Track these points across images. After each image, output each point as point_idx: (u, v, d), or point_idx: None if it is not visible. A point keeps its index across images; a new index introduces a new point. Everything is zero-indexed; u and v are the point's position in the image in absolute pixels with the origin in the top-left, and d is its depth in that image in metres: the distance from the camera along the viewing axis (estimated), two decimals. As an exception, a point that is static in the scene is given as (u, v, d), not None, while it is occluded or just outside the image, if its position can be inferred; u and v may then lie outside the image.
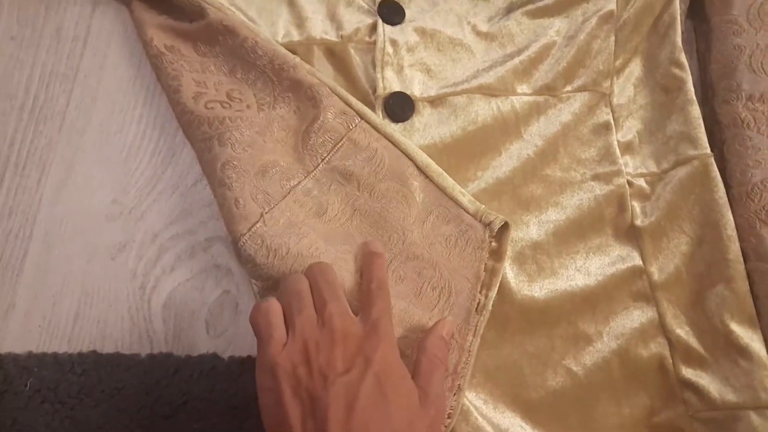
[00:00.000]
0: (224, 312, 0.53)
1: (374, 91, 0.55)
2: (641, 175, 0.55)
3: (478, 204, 0.50)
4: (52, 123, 0.57)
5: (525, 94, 0.56)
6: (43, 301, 0.52)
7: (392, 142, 0.52)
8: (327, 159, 0.52)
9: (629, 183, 0.54)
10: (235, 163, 0.50)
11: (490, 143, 0.55)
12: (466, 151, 0.55)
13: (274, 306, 0.43)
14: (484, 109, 0.55)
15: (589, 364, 0.50)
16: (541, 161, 0.55)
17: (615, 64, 0.57)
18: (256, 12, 0.57)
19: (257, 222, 0.49)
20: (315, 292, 0.44)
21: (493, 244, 0.50)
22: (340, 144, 0.52)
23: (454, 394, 0.47)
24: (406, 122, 0.55)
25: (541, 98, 0.56)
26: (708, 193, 0.51)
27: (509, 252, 0.52)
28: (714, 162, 0.52)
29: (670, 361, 0.50)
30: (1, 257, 0.53)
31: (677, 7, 0.56)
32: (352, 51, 0.57)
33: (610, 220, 0.54)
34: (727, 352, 0.49)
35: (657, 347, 0.51)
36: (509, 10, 0.59)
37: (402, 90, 0.55)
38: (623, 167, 0.55)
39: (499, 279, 0.50)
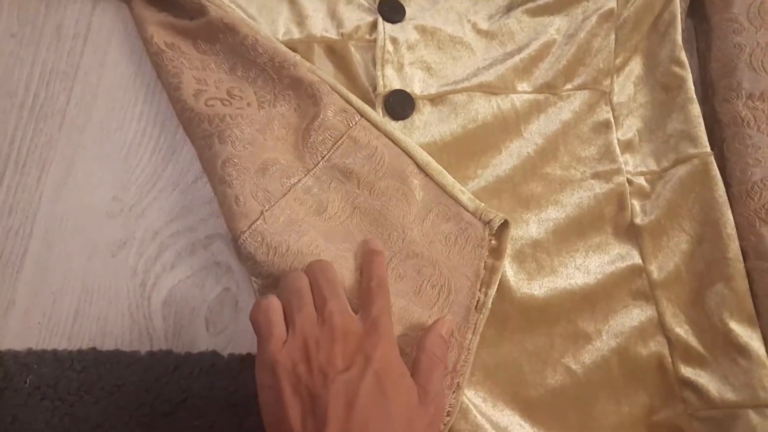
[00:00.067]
0: (224, 309, 0.53)
1: (374, 89, 0.55)
2: (641, 173, 0.55)
3: (478, 202, 0.51)
4: (52, 120, 0.57)
5: (525, 93, 0.56)
6: (43, 299, 0.52)
7: (392, 140, 0.52)
8: (327, 157, 0.52)
9: (629, 181, 0.54)
10: (235, 160, 0.50)
11: (490, 141, 0.55)
12: (466, 149, 0.55)
13: (274, 303, 0.43)
14: (484, 108, 0.55)
15: (588, 362, 0.50)
16: (541, 159, 0.55)
17: (615, 62, 0.57)
18: (256, 10, 0.57)
19: (257, 219, 0.49)
20: (315, 289, 0.44)
21: (493, 242, 0.50)
22: (340, 142, 0.52)
23: (454, 392, 0.47)
24: (406, 120, 0.55)
25: (541, 96, 0.56)
26: (708, 191, 0.51)
27: (509, 250, 0.52)
28: (714, 160, 0.52)
29: (670, 359, 0.50)
30: (1, 254, 0.53)
31: (677, 6, 0.56)
32: (352, 49, 0.57)
33: (610, 218, 0.54)
34: (726, 350, 0.49)
35: (656, 346, 0.51)
36: (509, 8, 0.59)
37: (402, 88, 0.55)
38: (623, 165, 0.55)
39: (499, 277, 0.50)
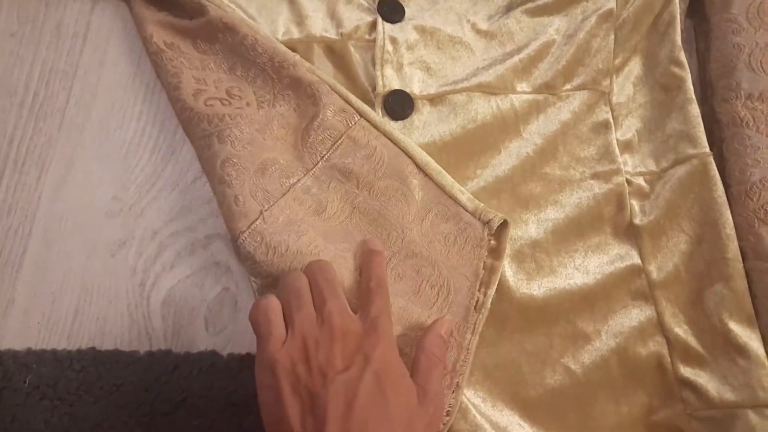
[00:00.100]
0: (223, 309, 0.53)
1: (374, 89, 0.55)
2: (640, 173, 0.55)
3: (477, 202, 0.51)
4: (51, 120, 0.57)
5: (524, 93, 0.56)
6: (42, 298, 0.52)
7: (391, 140, 0.52)
8: (326, 157, 0.52)
9: (628, 182, 0.54)
10: (234, 160, 0.50)
11: (489, 141, 0.55)
12: (466, 149, 0.55)
13: (273, 303, 0.43)
14: (483, 108, 0.55)
15: (587, 362, 0.50)
16: (541, 160, 0.55)
17: (614, 62, 0.57)
18: (256, 10, 0.57)
19: (257, 219, 0.49)
20: (314, 289, 0.44)
21: (492, 242, 0.50)
22: (339, 142, 0.52)
23: (453, 391, 0.47)
24: (405, 120, 0.55)
25: (540, 97, 0.56)
26: (707, 191, 0.51)
27: (508, 250, 0.52)
28: (713, 161, 0.52)
29: (669, 359, 0.50)
30: (0, 254, 0.53)
31: (677, 6, 0.56)
32: (351, 49, 0.57)
33: (609, 218, 0.54)
34: (725, 350, 0.49)
35: (655, 346, 0.51)
36: (509, 9, 0.59)
37: (401, 88, 0.55)
38: (622, 166, 0.55)
39: (498, 277, 0.50)
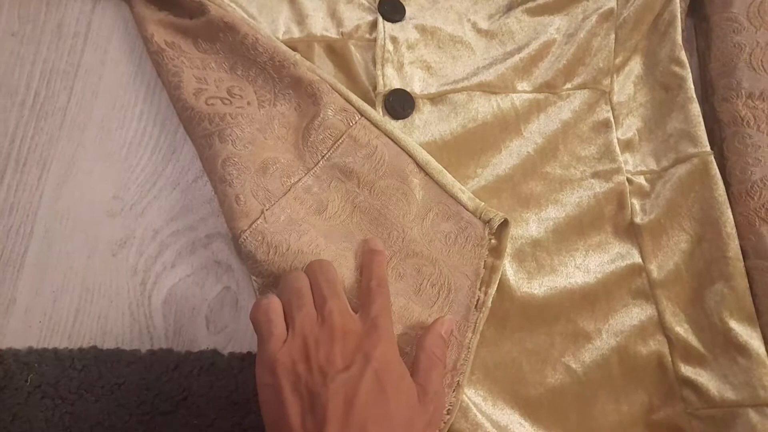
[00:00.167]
0: (224, 308, 0.53)
1: (374, 88, 0.56)
2: (641, 172, 0.55)
3: (478, 201, 0.51)
4: (53, 119, 0.57)
5: (525, 92, 0.56)
6: (43, 297, 0.52)
7: (392, 139, 0.52)
8: (327, 156, 0.52)
9: (629, 181, 0.54)
10: (235, 159, 0.50)
11: (490, 141, 0.55)
12: (466, 148, 0.55)
13: (274, 303, 0.43)
14: (484, 107, 0.55)
15: (588, 361, 0.50)
16: (541, 159, 0.55)
17: (615, 61, 0.57)
18: (256, 9, 0.57)
19: (258, 219, 0.49)
20: (315, 289, 0.44)
21: (493, 241, 0.50)
22: (340, 141, 0.52)
23: (454, 390, 0.47)
24: (406, 119, 0.55)
25: (541, 96, 0.56)
26: (708, 190, 0.51)
27: (509, 249, 0.52)
28: (714, 160, 0.52)
29: (669, 358, 0.50)
30: (1, 253, 0.53)
31: (677, 5, 0.56)
32: (352, 48, 0.57)
33: (610, 217, 0.54)
34: (726, 349, 0.49)
35: (656, 345, 0.51)
36: (509, 8, 0.59)
37: (402, 87, 0.55)
38: (623, 165, 0.55)
39: (499, 276, 0.50)
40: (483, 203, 0.50)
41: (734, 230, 0.50)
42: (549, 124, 0.56)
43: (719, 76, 0.55)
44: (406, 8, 0.58)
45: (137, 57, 0.59)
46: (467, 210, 0.50)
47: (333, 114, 0.52)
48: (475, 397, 0.49)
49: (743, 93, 0.53)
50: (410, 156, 0.52)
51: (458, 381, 0.47)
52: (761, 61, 0.53)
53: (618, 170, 0.54)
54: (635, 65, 0.58)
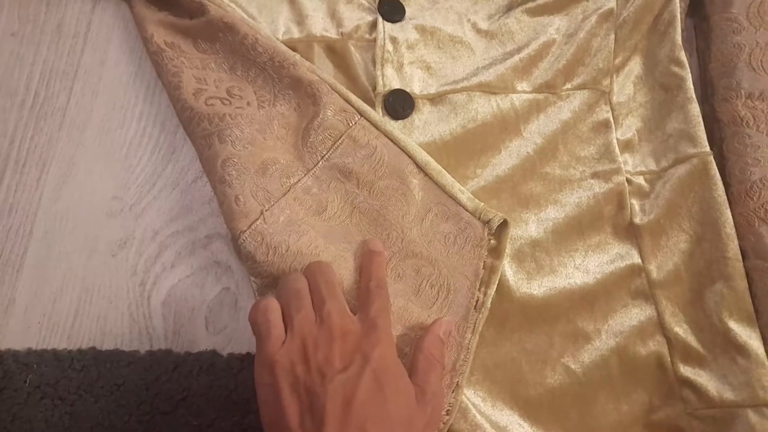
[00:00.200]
0: (224, 309, 0.53)
1: (374, 88, 0.56)
2: (641, 173, 0.55)
3: (477, 202, 0.51)
4: (52, 120, 0.57)
5: (525, 92, 0.56)
6: (43, 298, 0.52)
7: (392, 140, 0.52)
8: (327, 156, 0.52)
9: (628, 181, 0.54)
10: (235, 160, 0.50)
11: (489, 141, 0.55)
12: (466, 148, 0.55)
13: (272, 305, 0.43)
14: (483, 107, 0.55)
15: (587, 361, 0.50)
16: (541, 159, 0.55)
17: (615, 62, 0.57)
18: (256, 9, 0.57)
19: (257, 219, 0.49)
20: (313, 291, 0.44)
21: (492, 241, 0.50)
22: (339, 141, 0.52)
23: (453, 391, 0.47)
24: (405, 120, 0.55)
25: (540, 96, 0.56)
26: (707, 191, 0.51)
27: (508, 250, 0.52)
28: (713, 160, 0.52)
29: (669, 359, 0.50)
30: (1, 254, 0.53)
31: (677, 5, 0.56)
32: (352, 48, 0.57)
33: (609, 218, 0.54)
34: (725, 350, 0.49)
35: (655, 345, 0.51)
36: (509, 8, 0.59)
37: (402, 87, 0.55)
38: (623, 165, 0.55)
39: (498, 277, 0.50)
40: (482, 204, 0.50)
41: (734, 230, 0.50)
42: (548, 125, 0.56)
43: (719, 77, 0.55)
44: (406, 8, 0.58)
45: (137, 57, 0.59)
46: (467, 210, 0.50)
47: (332, 114, 0.52)
48: (474, 398, 0.49)
49: (743, 93, 0.53)
50: (410, 156, 0.52)
51: (457, 382, 0.47)
52: (761, 61, 0.53)
53: (617, 170, 0.54)
54: (635, 65, 0.58)
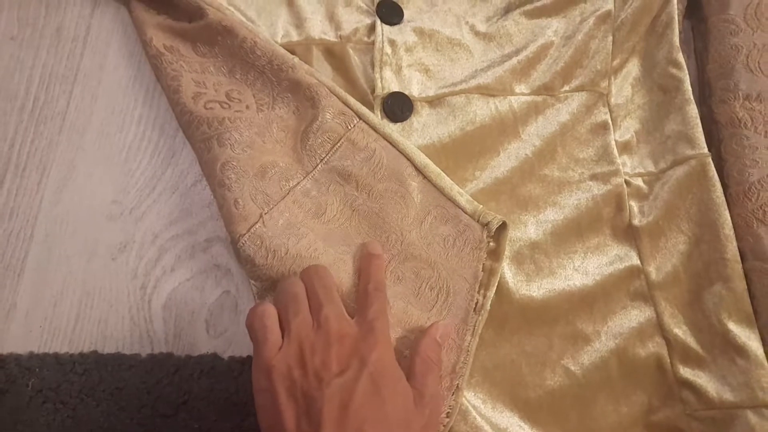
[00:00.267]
0: (224, 312, 0.53)
1: (373, 91, 0.56)
2: (639, 174, 0.55)
3: (476, 204, 0.51)
4: (52, 124, 0.57)
5: (523, 94, 0.56)
6: (44, 302, 0.52)
7: (390, 143, 0.52)
8: (325, 159, 0.52)
9: (627, 183, 0.54)
10: (234, 163, 0.50)
11: (488, 143, 0.55)
12: (465, 151, 0.55)
13: (269, 309, 0.43)
14: (482, 109, 0.55)
15: (587, 363, 0.51)
16: (539, 161, 0.55)
17: (612, 64, 0.57)
18: (255, 12, 0.58)
19: (256, 223, 0.49)
20: (311, 295, 0.44)
21: (491, 244, 0.50)
22: (338, 144, 0.52)
23: (453, 393, 0.47)
24: (404, 122, 0.55)
25: (539, 98, 0.56)
26: (705, 192, 0.52)
27: (507, 252, 0.52)
28: (711, 161, 0.52)
29: (668, 360, 0.50)
30: (2, 258, 0.53)
31: (675, 7, 0.56)
32: (350, 51, 0.57)
33: (608, 219, 0.54)
34: (724, 351, 0.49)
35: (655, 346, 0.51)
36: (507, 11, 0.59)
37: (400, 90, 0.55)
38: (621, 167, 0.55)
39: (497, 279, 0.50)
40: (481, 206, 0.51)
41: (732, 232, 0.50)
42: (547, 127, 0.56)
43: (716, 78, 0.55)
44: (404, 11, 0.58)
45: (136, 61, 0.59)
46: (465, 213, 0.50)
47: (331, 117, 0.52)
48: (474, 400, 0.49)
49: (740, 95, 0.53)
50: (408, 159, 0.52)
51: (457, 384, 0.47)
52: (758, 62, 0.53)
53: (616, 172, 0.54)
54: (633, 67, 0.58)
